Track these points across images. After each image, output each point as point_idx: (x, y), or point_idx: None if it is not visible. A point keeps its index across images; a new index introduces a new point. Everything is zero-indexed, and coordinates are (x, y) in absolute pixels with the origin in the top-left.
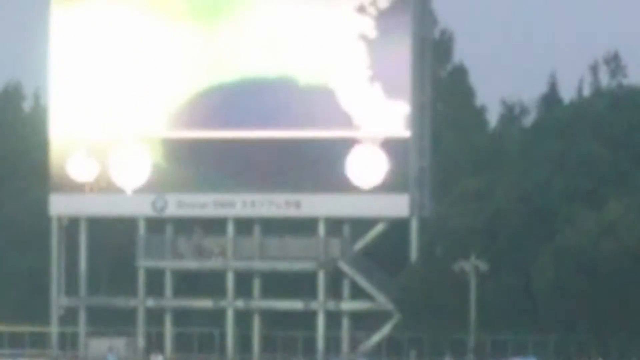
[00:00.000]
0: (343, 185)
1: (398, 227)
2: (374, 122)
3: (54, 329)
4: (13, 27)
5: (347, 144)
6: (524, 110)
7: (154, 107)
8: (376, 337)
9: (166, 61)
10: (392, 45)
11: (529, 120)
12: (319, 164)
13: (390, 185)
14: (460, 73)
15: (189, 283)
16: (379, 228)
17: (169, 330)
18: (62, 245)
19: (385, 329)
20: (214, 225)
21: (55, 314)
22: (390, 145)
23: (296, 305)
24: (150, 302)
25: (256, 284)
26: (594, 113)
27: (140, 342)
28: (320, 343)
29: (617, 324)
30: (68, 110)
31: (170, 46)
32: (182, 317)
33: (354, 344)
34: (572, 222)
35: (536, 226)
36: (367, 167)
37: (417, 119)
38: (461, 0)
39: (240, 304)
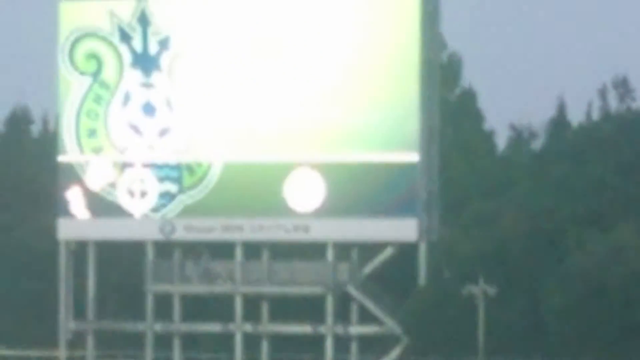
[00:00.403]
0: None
1: (406, 251)
2: (384, 146)
3: (61, 353)
4: (21, 51)
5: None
6: (532, 134)
7: (161, 132)
8: None
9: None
10: (401, 68)
11: (537, 144)
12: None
13: (398, 209)
14: (468, 97)
15: (197, 307)
16: (388, 252)
17: (177, 354)
18: (70, 269)
19: (394, 354)
20: (222, 250)
21: (63, 338)
22: (398, 169)
23: (305, 329)
24: (159, 327)
25: (264, 308)
26: (603, 137)
27: None
28: None
29: (627, 347)
30: (76, 134)
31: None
32: (190, 341)
33: None
34: (581, 246)
35: (545, 250)
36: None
37: (426, 142)
38: (470, 24)
39: (248, 328)
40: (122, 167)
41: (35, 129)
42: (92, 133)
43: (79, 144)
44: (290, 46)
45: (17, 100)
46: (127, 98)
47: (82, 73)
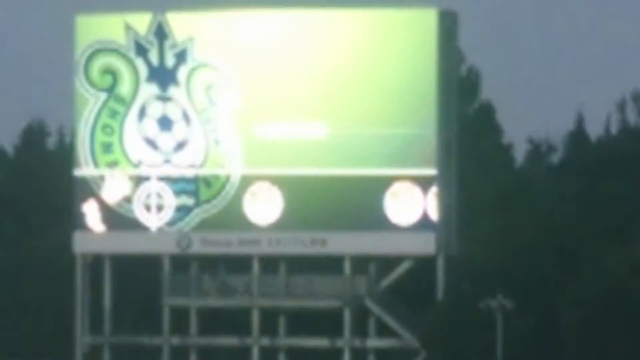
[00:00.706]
0: (381, 224)
1: (424, 264)
2: (402, 160)
3: None
4: (37, 64)
5: (382, 182)
6: (551, 148)
7: (178, 145)
8: None
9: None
10: (419, 82)
11: (556, 157)
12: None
13: (417, 223)
14: (487, 110)
15: (214, 321)
16: (405, 266)
17: None
18: (86, 283)
19: None
20: (239, 263)
21: (79, 352)
22: (419, 183)
23: (322, 343)
24: (175, 340)
25: (282, 321)
26: (621, 151)
27: None
28: None
29: None
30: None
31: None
32: (207, 355)
33: None
34: (599, 261)
35: (563, 264)
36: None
37: (444, 156)
38: (488, 38)
39: (265, 341)
40: (138, 181)
41: (51, 142)
42: (107, 148)
43: (94, 159)
44: (307, 60)
45: (33, 113)
46: (142, 112)
47: (97, 88)
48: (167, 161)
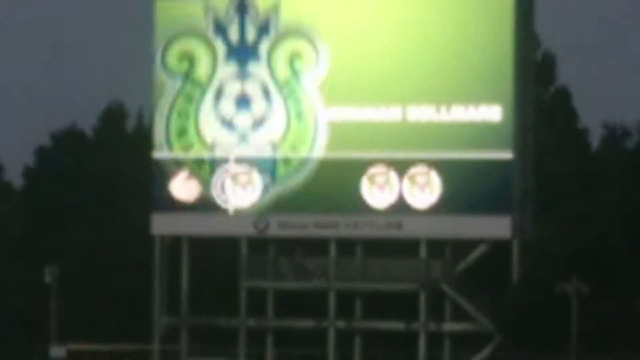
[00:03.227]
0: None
1: (500, 248)
2: (479, 145)
3: (155, 348)
4: (117, 47)
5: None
6: (626, 133)
7: (255, 123)
8: (477, 359)
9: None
10: (495, 67)
11: (631, 142)
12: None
13: (492, 207)
14: (562, 95)
15: (290, 303)
16: (481, 250)
17: (270, 350)
18: (164, 264)
19: (486, 351)
20: (316, 246)
21: (156, 333)
22: (493, 167)
23: (398, 326)
24: (252, 322)
25: (358, 304)
26: None
27: None
28: None
29: None
30: (167, 134)
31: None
32: (283, 337)
33: None
34: None
35: (638, 249)
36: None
37: (520, 141)
38: (564, 22)
39: (341, 324)
40: (215, 163)
41: (130, 124)
42: (183, 132)
43: (170, 143)
44: (385, 42)
45: (113, 95)
46: (219, 93)
47: (174, 74)
48: (243, 141)
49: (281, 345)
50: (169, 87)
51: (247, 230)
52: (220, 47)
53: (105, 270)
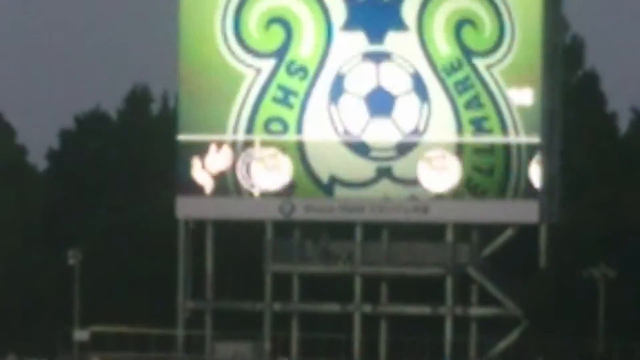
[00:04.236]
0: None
1: (527, 233)
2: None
3: (179, 332)
4: (141, 30)
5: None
6: None
7: (281, 110)
8: (504, 343)
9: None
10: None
11: None
12: None
13: (519, 191)
14: (591, 79)
15: (315, 287)
16: (508, 234)
17: (295, 334)
18: (189, 248)
19: (513, 335)
20: (342, 230)
21: (181, 317)
22: (520, 151)
23: (424, 310)
24: (277, 306)
25: (384, 288)
26: None
27: (267, 346)
28: (447, 349)
29: None
30: (196, 113)
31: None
32: (308, 321)
33: (482, 349)
34: None
35: None
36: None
37: (547, 125)
38: (592, 6)
39: (367, 308)
40: (241, 147)
41: (155, 107)
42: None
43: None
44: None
45: (137, 78)
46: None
47: (257, 53)
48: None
49: (306, 329)
50: (249, 75)
51: (272, 213)
52: (338, 8)
53: (129, 253)
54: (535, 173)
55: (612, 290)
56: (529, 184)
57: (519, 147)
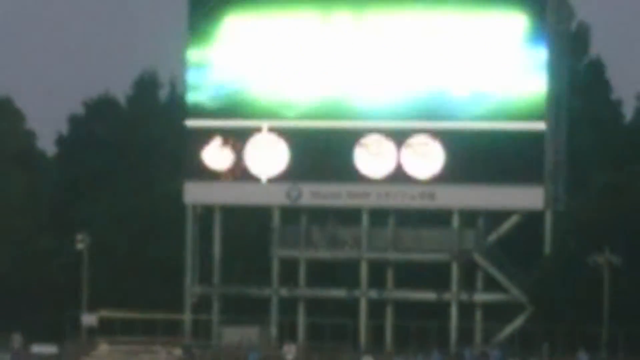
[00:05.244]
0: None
1: (532, 219)
2: (512, 115)
3: (187, 317)
4: (149, 16)
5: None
6: None
7: (292, 96)
8: (509, 329)
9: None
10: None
11: None
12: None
13: (525, 178)
14: (596, 66)
15: (322, 273)
16: (513, 220)
17: (302, 319)
18: (197, 233)
19: (518, 321)
20: (349, 216)
21: (188, 302)
22: (526, 138)
23: (429, 296)
24: (284, 292)
25: (390, 274)
26: None
27: (273, 331)
28: (453, 334)
29: None
30: (203, 99)
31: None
32: (315, 306)
33: (487, 335)
34: None
35: None
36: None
37: (553, 112)
38: None
39: (373, 294)
40: (249, 133)
41: (163, 93)
42: None
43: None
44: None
45: (146, 64)
46: None
47: None
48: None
49: (313, 314)
50: None
51: (279, 199)
52: None
53: (138, 238)
54: (540, 159)
55: (617, 276)
56: (534, 170)
57: (524, 133)
